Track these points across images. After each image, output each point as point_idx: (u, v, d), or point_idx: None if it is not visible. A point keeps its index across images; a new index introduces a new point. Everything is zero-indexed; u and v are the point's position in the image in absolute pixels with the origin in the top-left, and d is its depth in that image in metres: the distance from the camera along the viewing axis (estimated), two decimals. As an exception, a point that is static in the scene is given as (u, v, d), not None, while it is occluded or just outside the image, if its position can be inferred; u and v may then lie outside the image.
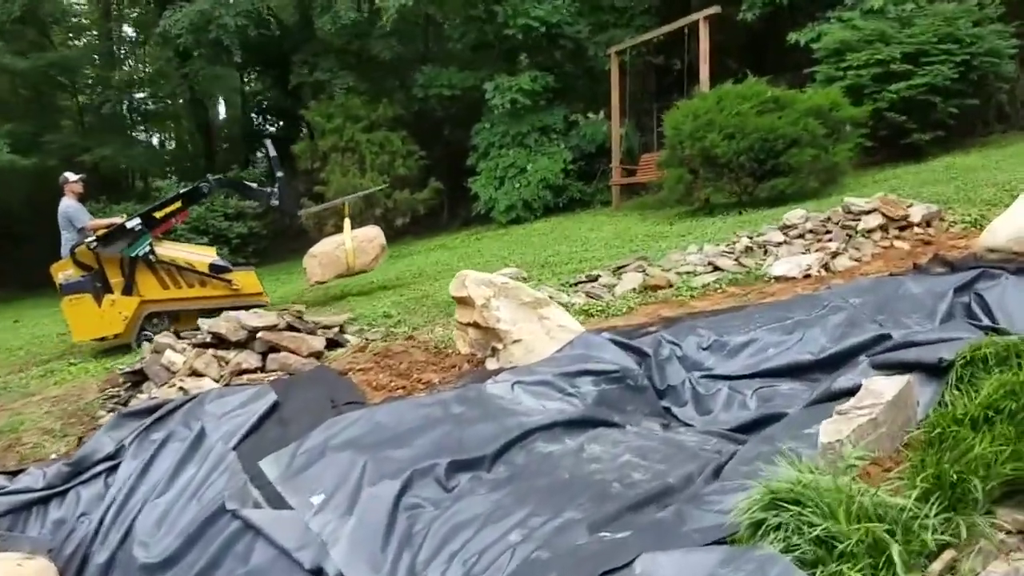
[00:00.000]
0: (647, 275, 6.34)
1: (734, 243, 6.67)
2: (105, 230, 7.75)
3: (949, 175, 8.93)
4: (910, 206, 6.17)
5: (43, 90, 22.19)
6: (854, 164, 12.48)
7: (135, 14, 24.84)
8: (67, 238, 7.86)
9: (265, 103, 24.04)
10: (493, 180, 15.54)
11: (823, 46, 11.60)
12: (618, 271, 6.66)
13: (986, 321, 4.35)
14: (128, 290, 7.84)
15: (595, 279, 6.57)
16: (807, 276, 5.76)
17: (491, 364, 4.63)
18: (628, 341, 4.78)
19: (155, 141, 28.19)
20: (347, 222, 9.41)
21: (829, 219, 6.36)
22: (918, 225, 5.99)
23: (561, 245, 10.58)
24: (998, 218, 5.00)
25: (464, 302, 4.68)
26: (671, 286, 6.11)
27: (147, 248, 7.81)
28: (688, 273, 6.32)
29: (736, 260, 6.29)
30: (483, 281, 4.58)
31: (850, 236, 6.09)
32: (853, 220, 6.24)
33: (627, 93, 14.34)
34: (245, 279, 8.39)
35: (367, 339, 6.21)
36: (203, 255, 8.50)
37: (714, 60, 12.41)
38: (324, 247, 9.26)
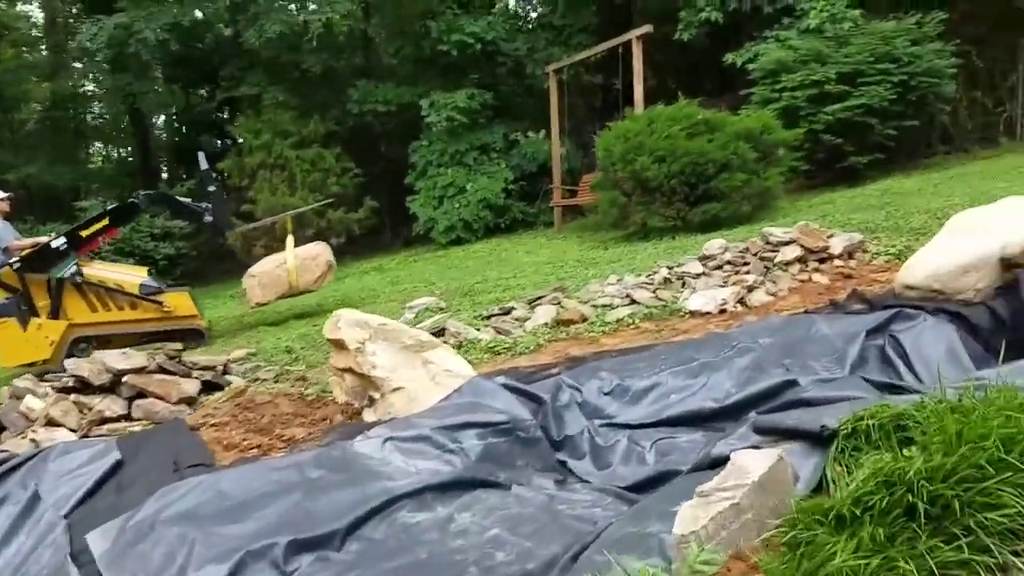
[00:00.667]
0: (562, 308, 6.04)
1: (653, 274, 6.41)
2: (30, 250, 7.48)
3: (883, 200, 8.83)
4: (831, 236, 5.97)
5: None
6: (791, 188, 12.44)
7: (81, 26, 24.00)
8: None
9: (199, 119, 23.38)
10: (432, 200, 15.20)
11: (759, 67, 11.53)
12: (534, 303, 6.34)
13: (901, 366, 4.13)
14: (55, 313, 7.58)
15: (508, 312, 6.24)
16: (722, 311, 5.52)
17: (369, 415, 4.25)
18: (523, 386, 4.45)
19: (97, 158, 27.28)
20: (290, 239, 8.97)
21: (747, 250, 6.13)
22: (839, 257, 5.78)
23: (493, 270, 10.26)
24: (916, 254, 4.80)
25: (339, 345, 4.30)
26: (584, 320, 5.80)
27: (73, 269, 7.55)
28: (605, 306, 6.03)
29: (654, 292, 6.02)
30: (358, 322, 4.21)
31: (768, 268, 5.86)
32: (772, 251, 6.01)
33: (565, 112, 14.13)
34: (178, 301, 8.09)
35: (257, 378, 5.80)
36: (133, 276, 8.22)
37: (654, 80, 12.31)
38: (264, 266, 8.86)
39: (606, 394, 4.47)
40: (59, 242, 7.57)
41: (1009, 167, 9.86)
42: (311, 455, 3.78)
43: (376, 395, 4.17)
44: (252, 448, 3.93)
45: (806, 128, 10.72)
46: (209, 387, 5.55)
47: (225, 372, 5.84)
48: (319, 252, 8.97)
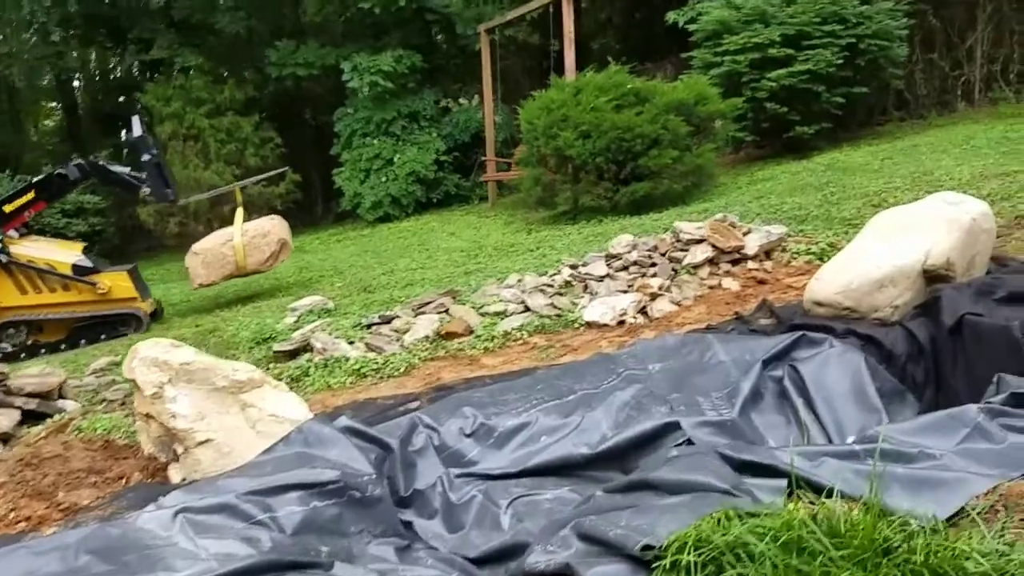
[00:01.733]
0: (448, 317, 5.45)
1: (556, 275, 5.83)
2: None
3: (824, 179, 8.31)
4: (747, 233, 5.42)
5: None
6: (737, 159, 11.92)
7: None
8: None
9: (121, 84, 22.14)
10: (358, 172, 14.42)
11: (700, 27, 10.87)
12: (420, 310, 5.73)
13: (799, 403, 3.63)
14: None
15: (389, 320, 5.63)
16: (621, 323, 4.98)
17: (174, 473, 3.64)
18: (369, 430, 3.86)
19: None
20: (239, 213, 8.29)
21: (656, 248, 5.58)
22: (753, 258, 5.24)
23: (407, 257, 9.63)
24: (827, 264, 4.27)
25: (137, 387, 3.68)
26: (470, 333, 5.23)
27: None
28: (497, 314, 5.45)
29: (552, 298, 5.45)
30: (155, 362, 3.58)
31: (676, 271, 5.31)
32: (683, 250, 5.47)
33: (498, 76, 13.38)
34: (115, 282, 7.61)
35: (106, 400, 5.17)
36: (65, 254, 7.72)
37: (603, 41, 11.60)
38: (209, 243, 8.19)
39: (468, 435, 3.95)
40: None
41: (961, 138, 9.38)
42: (81, 535, 3.17)
43: (180, 449, 3.56)
44: (21, 521, 3.31)
45: (748, 96, 10.13)
46: (34, 417, 4.90)
47: (61, 396, 5.18)
48: (270, 228, 8.26)
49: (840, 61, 9.78)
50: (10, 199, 7.64)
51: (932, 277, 4.00)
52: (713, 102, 9.01)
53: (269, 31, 15.57)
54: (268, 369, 4.97)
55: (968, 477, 2.42)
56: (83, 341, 7.55)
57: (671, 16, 11.76)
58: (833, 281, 4.07)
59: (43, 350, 7.57)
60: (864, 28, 9.96)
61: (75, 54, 18.81)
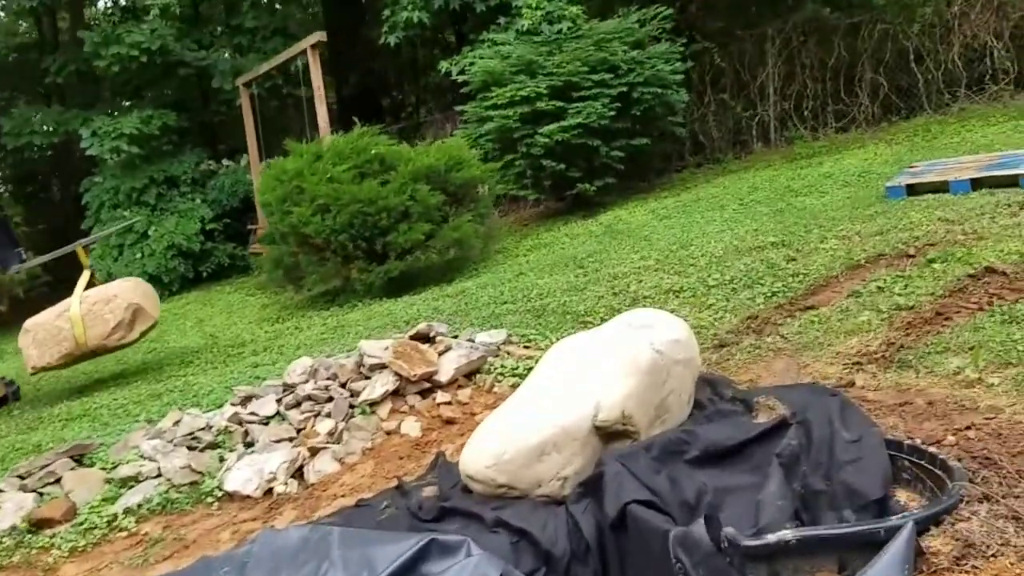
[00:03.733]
0: (46, 494, 4.19)
1: (218, 414, 4.70)
2: None
3: (593, 247, 7.66)
4: (444, 351, 4.47)
5: None
6: (533, 215, 11.27)
7: None
8: None
9: None
10: (111, 249, 12.78)
11: (471, 78, 10.14)
12: (28, 476, 4.43)
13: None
14: None
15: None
16: (269, 492, 3.90)
17: None
18: None
19: None
20: (84, 276, 6.94)
21: (336, 376, 4.55)
22: (448, 386, 4.30)
23: (123, 363, 8.20)
24: (483, 424, 3.35)
25: None
26: (72, 518, 3.99)
27: None
28: (126, 480, 4.24)
29: (196, 455, 4.29)
30: None
31: (352, 409, 4.29)
32: (366, 377, 4.47)
33: (261, 133, 12.18)
34: None
35: None
36: None
37: (357, 92, 10.65)
38: (44, 316, 6.87)
39: None
40: None
41: (745, 189, 9.03)
42: None
43: None
44: None
45: (523, 152, 9.45)
46: None
47: None
48: (116, 293, 6.83)
49: (612, 113, 9.24)
50: None
51: (609, 435, 3.15)
52: (469, 166, 8.18)
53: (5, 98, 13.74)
54: None
55: None
56: None
57: (443, 65, 10.98)
58: (483, 451, 3.15)
59: None
60: (636, 75, 9.49)
61: None
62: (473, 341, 4.70)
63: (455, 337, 4.81)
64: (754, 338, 4.08)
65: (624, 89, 9.36)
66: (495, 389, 4.32)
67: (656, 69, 9.65)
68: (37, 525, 3.99)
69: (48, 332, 6.75)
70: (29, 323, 6.94)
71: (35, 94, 14.20)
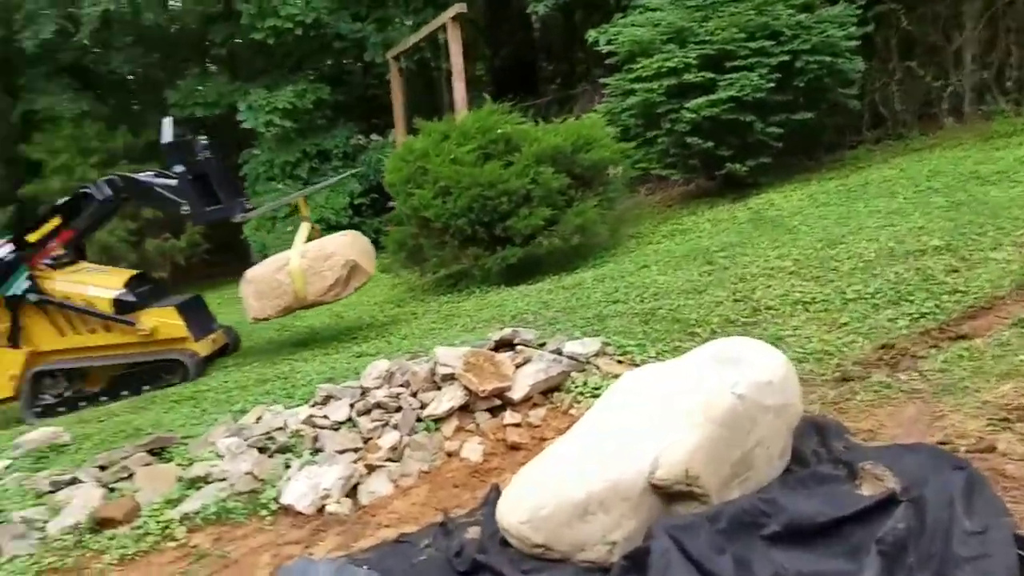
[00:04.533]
0: (115, 493, 4.18)
1: (295, 410, 4.55)
2: None
3: (734, 237, 6.96)
4: (523, 363, 4.05)
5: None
6: (678, 196, 10.55)
7: None
8: None
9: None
10: (265, 221, 13.29)
11: (618, 49, 9.53)
12: (104, 469, 4.47)
13: None
14: (13, 341, 6.57)
15: (57, 489, 4.37)
16: (321, 510, 3.68)
17: None
18: None
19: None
20: (303, 228, 6.99)
21: (408, 384, 4.24)
22: (521, 405, 3.88)
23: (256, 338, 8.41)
24: (520, 473, 2.93)
25: None
26: (134, 519, 3.95)
27: (26, 285, 6.50)
28: (195, 482, 4.17)
29: (261, 460, 4.15)
30: None
31: (419, 423, 3.98)
32: (437, 388, 4.14)
33: (407, 108, 12.14)
34: (163, 319, 6.69)
35: None
36: (106, 288, 6.76)
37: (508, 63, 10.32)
38: (263, 268, 6.99)
39: None
40: (4, 250, 6.59)
41: (925, 174, 7.94)
42: None
43: None
44: None
45: (667, 129, 8.78)
46: None
47: None
48: (334, 250, 6.81)
49: (770, 84, 8.36)
50: (35, 227, 6.83)
51: (671, 495, 2.64)
52: (600, 147, 7.64)
53: (171, 70, 14.55)
54: None
55: None
56: (125, 392, 6.73)
57: (591, 34, 10.42)
58: (520, 502, 2.73)
59: (83, 403, 6.79)
60: (801, 42, 8.53)
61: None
62: (560, 352, 4.25)
63: (542, 345, 4.38)
64: (886, 372, 3.39)
65: (786, 58, 8.44)
66: (572, 411, 3.86)
67: (826, 35, 8.63)
68: (99, 524, 3.97)
69: (268, 285, 6.82)
70: (249, 274, 7.05)
71: (207, 64, 14.89)
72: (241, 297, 7.11)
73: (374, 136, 13.31)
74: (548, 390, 3.99)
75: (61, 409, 6.80)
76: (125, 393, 6.75)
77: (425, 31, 10.72)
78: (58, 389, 6.83)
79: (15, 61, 14.75)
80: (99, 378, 6.92)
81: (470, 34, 13.21)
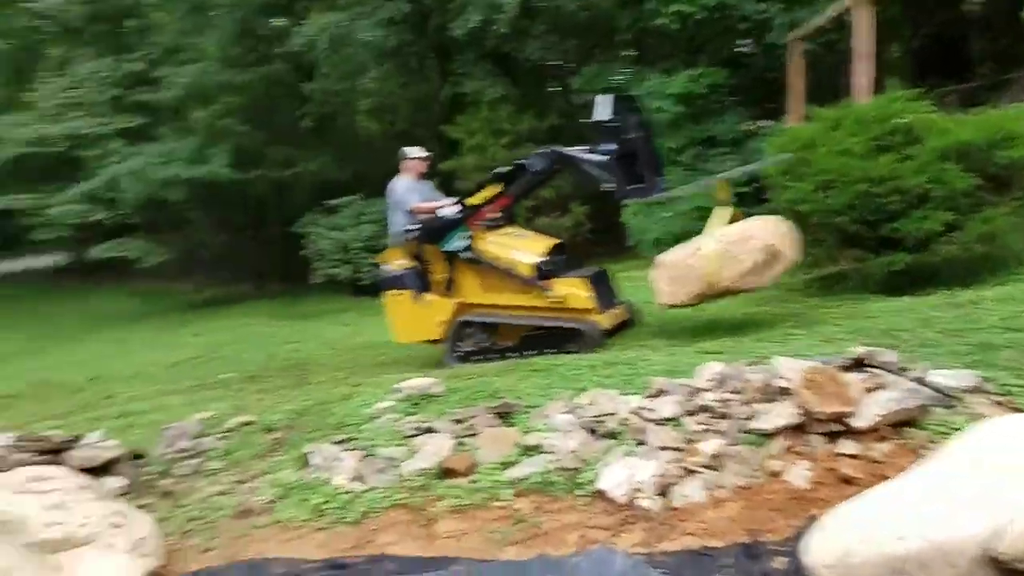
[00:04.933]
0: (462, 446, 4.58)
1: (612, 409, 4.57)
2: (426, 216, 7.34)
3: None
4: (874, 389, 3.58)
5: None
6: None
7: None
8: (392, 221, 7.63)
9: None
10: (642, 207, 13.53)
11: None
12: (459, 421, 4.92)
13: None
14: (448, 289, 7.36)
15: (420, 433, 4.91)
16: (632, 502, 3.67)
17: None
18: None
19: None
20: (720, 212, 6.46)
21: (740, 391, 4.01)
22: (865, 435, 3.44)
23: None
24: (839, 509, 2.62)
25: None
26: (471, 472, 4.32)
27: (463, 243, 7.15)
28: (528, 449, 4.43)
29: (587, 442, 4.26)
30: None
31: (744, 435, 3.76)
32: (770, 399, 3.85)
33: (805, 95, 11.40)
34: (572, 290, 6.95)
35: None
36: (530, 253, 7.15)
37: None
38: (676, 253, 6.68)
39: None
40: (449, 210, 7.20)
41: None
42: None
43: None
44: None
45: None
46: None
47: (106, 469, 5.20)
48: (754, 233, 6.23)
49: None
50: (477, 191, 7.32)
51: (1012, 572, 2.18)
52: (1021, 145, 6.49)
53: (580, 56, 15.40)
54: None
55: None
56: (530, 352, 7.05)
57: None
58: (829, 542, 2.46)
59: (495, 355, 7.35)
60: None
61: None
62: (923, 382, 3.72)
63: (902, 371, 3.86)
64: None
65: None
66: (925, 449, 3.36)
67: None
68: (444, 473, 4.40)
69: (680, 271, 6.53)
70: (660, 259, 6.83)
71: (615, 51, 15.49)
72: (651, 281, 6.81)
73: (761, 122, 12.79)
74: (900, 423, 3.50)
75: (477, 357, 7.18)
76: (530, 352, 6.86)
77: (832, 10, 9.99)
78: (476, 339, 7.27)
79: (449, 48, 16.78)
80: (510, 335, 7.25)
81: (889, 12, 12.07)
